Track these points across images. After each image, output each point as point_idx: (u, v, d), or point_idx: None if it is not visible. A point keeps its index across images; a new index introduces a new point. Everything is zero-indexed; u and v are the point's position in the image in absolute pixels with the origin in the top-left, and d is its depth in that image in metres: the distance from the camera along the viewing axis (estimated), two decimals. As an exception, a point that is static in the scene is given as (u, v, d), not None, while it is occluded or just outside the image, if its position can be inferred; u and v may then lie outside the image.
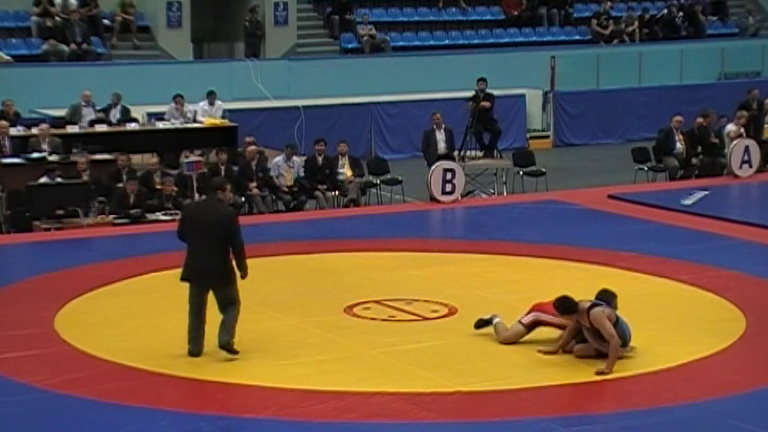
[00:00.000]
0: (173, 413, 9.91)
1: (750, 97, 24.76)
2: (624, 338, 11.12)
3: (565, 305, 11.12)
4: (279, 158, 20.38)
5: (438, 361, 11.24)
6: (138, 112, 23.06)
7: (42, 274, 14.61)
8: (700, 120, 22.60)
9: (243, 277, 11.28)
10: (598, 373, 10.75)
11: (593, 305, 11.04)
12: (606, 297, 11.27)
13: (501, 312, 12.84)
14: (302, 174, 20.34)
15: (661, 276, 14.38)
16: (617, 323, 11.02)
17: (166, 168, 20.03)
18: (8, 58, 26.46)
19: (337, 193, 20.40)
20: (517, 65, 29.92)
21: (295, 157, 20.58)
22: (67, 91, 23.34)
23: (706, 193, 19.75)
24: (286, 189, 20.01)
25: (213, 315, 11.33)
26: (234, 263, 11.23)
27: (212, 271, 11.10)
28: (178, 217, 11.47)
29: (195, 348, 11.17)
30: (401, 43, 31.79)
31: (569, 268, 14.67)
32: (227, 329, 11.09)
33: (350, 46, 30.92)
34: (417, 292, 13.68)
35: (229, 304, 11.15)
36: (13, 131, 20.54)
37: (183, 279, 11.27)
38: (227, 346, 11.05)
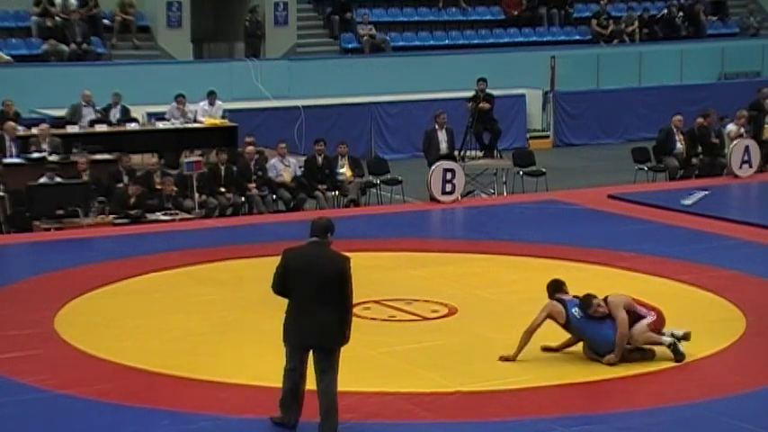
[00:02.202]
0: (173, 413, 9.91)
1: (760, 96, 24.71)
2: (591, 344, 11.13)
3: (550, 286, 11.32)
4: (274, 160, 20.33)
5: (438, 361, 11.24)
6: (138, 112, 23.05)
7: (42, 274, 14.61)
8: (700, 120, 22.59)
9: (345, 342, 9.36)
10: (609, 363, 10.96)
11: (561, 300, 11.17)
12: (583, 302, 11.22)
13: (501, 312, 12.88)
14: (298, 172, 20.32)
15: (661, 276, 14.38)
16: (575, 326, 11.10)
17: (166, 168, 20.04)
18: (8, 58, 26.46)
19: (337, 193, 20.40)
20: (517, 65, 29.90)
21: (290, 157, 20.57)
22: (67, 91, 23.33)
23: (706, 193, 19.75)
24: (285, 185, 19.98)
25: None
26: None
27: (330, 330, 9.23)
28: (276, 267, 9.44)
29: (293, 419, 9.47)
30: (401, 43, 31.78)
31: (569, 268, 14.65)
32: (332, 415, 9.29)
33: (350, 46, 30.91)
34: (417, 292, 13.68)
35: (331, 370, 9.29)
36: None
37: (288, 344, 9.37)
38: None
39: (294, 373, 9.32)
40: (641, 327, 11.12)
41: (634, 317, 11.13)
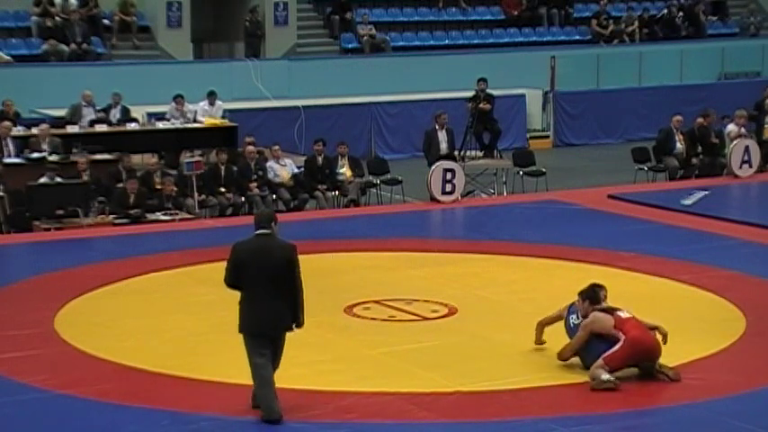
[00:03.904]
0: (173, 413, 9.91)
1: (766, 95, 24.73)
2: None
3: (585, 293, 10.95)
4: (270, 162, 20.31)
5: (438, 361, 11.24)
6: (138, 112, 23.05)
7: (42, 274, 14.61)
8: (700, 120, 22.59)
9: (300, 325, 9.81)
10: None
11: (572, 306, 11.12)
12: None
13: (501, 312, 12.88)
14: (295, 171, 20.33)
15: (661, 276, 14.38)
16: (567, 331, 11.07)
17: (166, 168, 20.04)
18: (8, 58, 26.45)
19: (337, 193, 20.41)
20: (517, 65, 29.89)
21: (285, 158, 20.57)
22: (67, 91, 23.33)
23: (706, 193, 19.75)
24: (285, 185, 19.99)
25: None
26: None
27: (281, 318, 9.69)
28: (227, 262, 9.81)
29: (276, 414, 9.69)
30: (401, 43, 31.77)
31: (569, 268, 14.66)
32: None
33: (350, 46, 30.91)
34: (417, 292, 13.68)
35: (278, 356, 9.85)
36: (13, 131, 20.52)
37: (247, 333, 9.70)
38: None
39: (263, 367, 9.66)
40: (596, 367, 10.54)
41: (607, 342, 10.74)
